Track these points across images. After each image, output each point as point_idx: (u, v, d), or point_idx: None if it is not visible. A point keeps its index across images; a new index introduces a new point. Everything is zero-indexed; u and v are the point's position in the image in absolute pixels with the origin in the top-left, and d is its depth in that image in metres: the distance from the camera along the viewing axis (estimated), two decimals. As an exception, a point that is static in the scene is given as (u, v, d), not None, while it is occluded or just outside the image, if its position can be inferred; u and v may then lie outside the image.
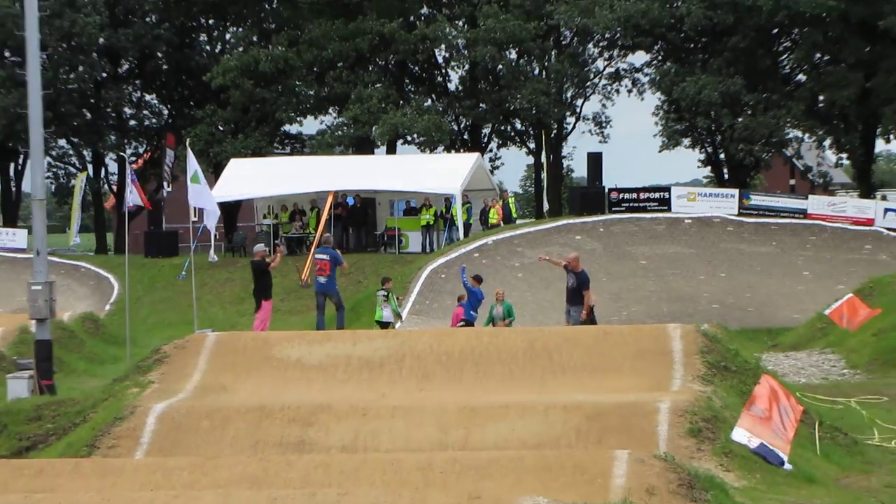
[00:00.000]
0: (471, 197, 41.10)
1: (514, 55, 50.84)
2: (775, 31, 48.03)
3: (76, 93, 51.06)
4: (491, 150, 54.74)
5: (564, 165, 57.86)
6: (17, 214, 56.24)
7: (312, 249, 37.51)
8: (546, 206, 49.50)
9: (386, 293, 25.74)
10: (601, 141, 53.82)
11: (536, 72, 51.33)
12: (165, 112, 56.27)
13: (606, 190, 42.45)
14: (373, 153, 49.88)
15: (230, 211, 47.69)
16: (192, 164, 26.44)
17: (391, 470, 11.73)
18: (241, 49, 51.70)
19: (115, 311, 36.02)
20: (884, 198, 47.84)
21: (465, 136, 53.32)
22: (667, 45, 49.04)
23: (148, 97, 56.36)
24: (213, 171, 46.33)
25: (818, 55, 47.69)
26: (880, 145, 51.18)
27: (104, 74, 51.97)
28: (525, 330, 19.99)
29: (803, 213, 41.01)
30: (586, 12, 47.20)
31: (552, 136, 52.74)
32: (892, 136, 47.89)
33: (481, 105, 51.32)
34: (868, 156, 49.25)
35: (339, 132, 49.73)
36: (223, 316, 35.49)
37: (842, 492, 13.38)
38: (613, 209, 41.43)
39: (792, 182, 56.44)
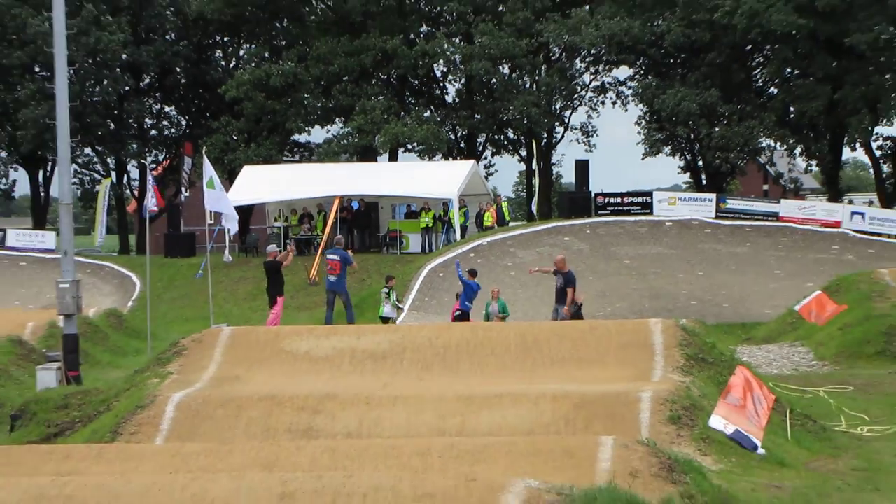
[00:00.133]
0: (467, 201, 41.11)
1: (507, 70, 50.84)
2: (749, 47, 48.01)
3: (101, 105, 51.13)
4: (485, 158, 54.73)
5: (554, 172, 57.99)
6: (46, 217, 56.29)
7: (321, 250, 37.58)
8: (536, 210, 49.56)
9: (388, 290, 25.89)
10: (587, 149, 53.85)
11: (528, 85, 51.29)
12: (183, 122, 56.28)
13: (593, 195, 42.49)
14: (376, 160, 49.83)
15: (243, 214, 47.46)
16: (208, 171, 26.40)
17: (393, 454, 11.71)
18: (253, 64, 51.64)
19: (137, 308, 35.95)
20: (850, 202, 47.86)
21: (462, 145, 53.30)
22: (648, 60, 49.03)
23: (167, 109, 56.38)
24: (228, 177, 46.30)
25: (789, 70, 47.66)
26: (847, 153, 51.10)
27: (127, 88, 51.91)
28: (517, 324, 19.96)
29: (776, 216, 41.02)
30: (574, 30, 47.32)
31: (542, 144, 52.82)
32: (857, 145, 47.89)
33: (476, 116, 51.31)
34: (836, 163, 49.21)
35: (345, 141, 49.70)
36: (237, 312, 35.45)
37: (811, 474, 13.38)
38: (599, 212, 41.46)
39: (765, 187, 56.40)
